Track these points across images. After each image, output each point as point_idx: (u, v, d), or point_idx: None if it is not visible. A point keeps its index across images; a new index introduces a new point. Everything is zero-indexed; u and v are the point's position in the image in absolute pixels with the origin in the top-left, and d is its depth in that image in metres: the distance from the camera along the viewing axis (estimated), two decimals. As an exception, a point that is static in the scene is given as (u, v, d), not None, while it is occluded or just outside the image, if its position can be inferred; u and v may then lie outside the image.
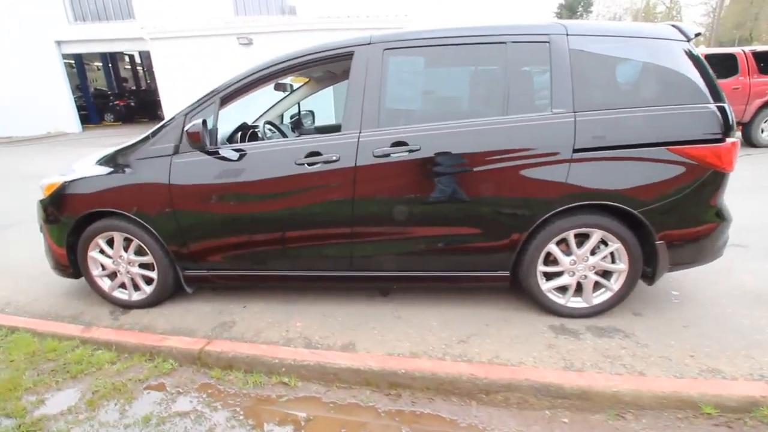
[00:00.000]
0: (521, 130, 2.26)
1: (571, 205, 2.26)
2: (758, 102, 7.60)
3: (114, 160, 2.69)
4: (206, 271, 2.69)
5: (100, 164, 2.73)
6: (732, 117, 2.24)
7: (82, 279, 2.85)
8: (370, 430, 1.85)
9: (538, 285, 2.47)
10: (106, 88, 22.76)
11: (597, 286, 2.47)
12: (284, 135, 3.64)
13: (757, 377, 1.95)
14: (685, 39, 2.28)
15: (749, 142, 7.90)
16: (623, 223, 2.31)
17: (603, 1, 45.70)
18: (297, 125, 4.11)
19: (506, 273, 2.47)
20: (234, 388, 2.12)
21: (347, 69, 2.51)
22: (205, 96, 2.55)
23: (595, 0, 41.34)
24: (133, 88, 24.27)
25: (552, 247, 2.39)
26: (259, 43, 12.51)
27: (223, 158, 2.47)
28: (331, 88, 3.98)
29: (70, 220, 2.67)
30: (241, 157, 2.47)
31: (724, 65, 7.56)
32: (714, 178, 2.24)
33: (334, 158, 2.35)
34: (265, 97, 3.52)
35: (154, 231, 2.58)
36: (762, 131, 7.85)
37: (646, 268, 2.42)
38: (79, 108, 17.53)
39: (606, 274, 2.46)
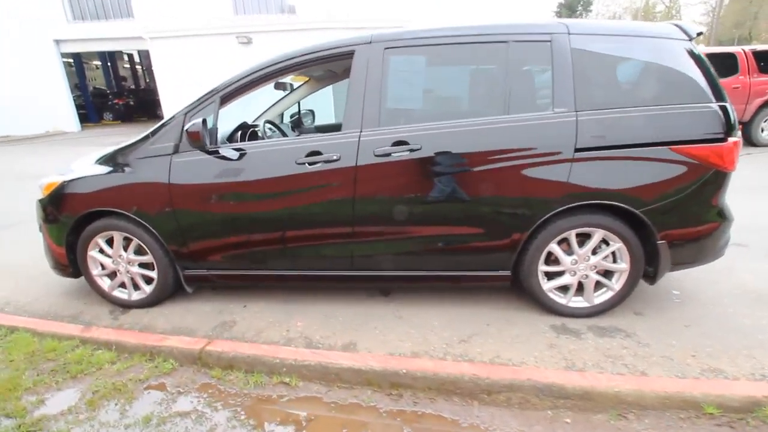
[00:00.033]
0: (523, 130, 2.25)
1: (572, 205, 2.26)
2: (758, 101, 7.60)
3: (113, 160, 2.68)
4: (206, 271, 2.69)
5: (100, 163, 2.72)
6: (734, 116, 2.24)
7: (82, 278, 2.84)
8: (372, 430, 1.84)
9: (540, 285, 2.46)
10: (105, 87, 22.70)
11: (598, 285, 2.47)
12: (284, 134, 3.64)
13: (759, 377, 1.94)
14: (687, 38, 2.27)
15: (749, 141, 7.90)
16: (625, 223, 2.30)
17: (602, 0, 45.67)
18: (297, 124, 4.10)
19: (507, 273, 2.46)
20: (235, 388, 2.12)
21: (347, 68, 2.50)
22: (205, 95, 2.54)
23: (595, -1, 41.34)
24: (132, 87, 24.22)
25: (553, 247, 2.38)
26: (258, 42, 12.50)
27: (223, 158, 2.46)
28: (330, 87, 3.96)
29: (70, 220, 2.66)
30: (241, 156, 2.46)
31: (724, 64, 7.56)
32: (716, 178, 2.24)
33: (335, 158, 2.34)
34: (265, 96, 3.51)
35: (153, 230, 2.57)
36: (762, 130, 7.85)
37: (647, 268, 2.41)
38: (78, 107, 17.49)
39: (607, 273, 2.45)
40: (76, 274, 2.82)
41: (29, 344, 2.46)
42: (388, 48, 2.38)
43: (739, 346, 2.17)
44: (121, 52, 23.03)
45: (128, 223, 2.60)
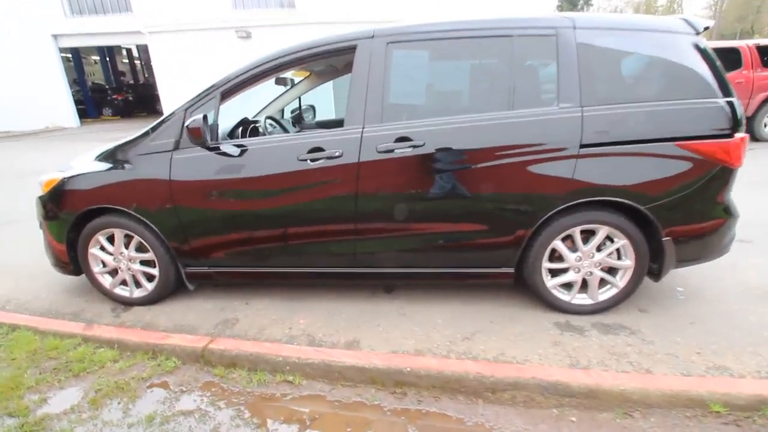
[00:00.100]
0: (527, 126, 2.23)
1: (577, 201, 2.24)
2: (761, 96, 7.55)
3: (113, 156, 2.66)
4: (208, 268, 2.67)
5: (100, 160, 2.69)
6: (741, 112, 2.21)
7: (83, 276, 2.83)
8: (376, 429, 1.83)
9: (543, 282, 2.45)
10: (104, 82, 22.60)
11: (602, 282, 2.45)
12: (285, 130, 3.61)
13: (765, 375, 1.93)
14: (694, 32, 2.24)
15: (752, 136, 7.86)
16: (630, 220, 2.28)
17: (604, -6, 45.37)
18: (298, 120, 4.07)
19: (511, 270, 2.45)
20: (238, 386, 2.11)
21: (349, 63, 2.47)
22: (205, 91, 2.51)
23: (596, -7, 41.06)
24: (131, 82, 24.13)
25: (557, 244, 2.37)
26: (257, 36, 12.43)
27: (225, 154, 2.44)
28: (330, 82, 3.93)
29: (70, 217, 2.64)
30: (242, 152, 2.44)
31: (727, 59, 7.49)
32: (722, 174, 2.22)
33: (337, 154, 2.32)
34: (266, 91, 3.48)
35: (154, 227, 2.55)
36: (765, 125, 7.81)
37: (652, 265, 2.40)
38: (77, 102, 17.42)
39: (611, 270, 2.44)
40: (77, 271, 2.81)
41: (31, 342, 2.45)
42: (390, 42, 2.35)
43: (744, 343, 2.16)
44: (119, 47, 22.92)
45: (129, 220, 2.58)
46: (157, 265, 2.67)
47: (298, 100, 3.98)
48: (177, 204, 2.49)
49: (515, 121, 2.23)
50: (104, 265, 2.76)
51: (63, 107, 16.53)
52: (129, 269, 2.73)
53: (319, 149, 2.34)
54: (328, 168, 2.34)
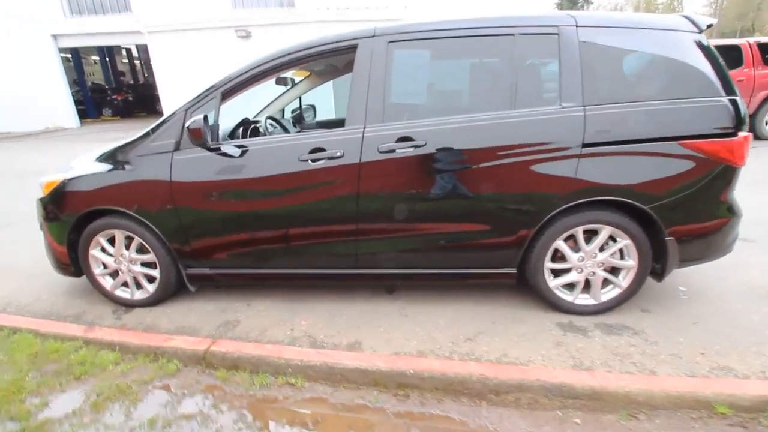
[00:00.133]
0: (529, 125, 2.21)
1: (580, 201, 2.23)
2: (763, 94, 7.53)
3: (114, 157, 2.65)
4: (209, 270, 2.66)
5: (100, 161, 2.68)
6: (744, 110, 2.20)
7: (84, 278, 2.82)
8: (379, 431, 1.82)
9: (546, 282, 2.44)
10: (104, 82, 22.58)
11: (605, 282, 2.44)
12: (286, 130, 3.60)
13: (770, 375, 1.92)
14: (697, 30, 2.22)
15: (754, 134, 7.82)
16: (633, 219, 2.27)
17: (604, -8, 45.24)
18: (298, 120, 4.06)
19: (513, 270, 2.44)
20: (240, 389, 2.10)
21: (349, 62, 2.45)
22: (205, 91, 2.50)
23: (596, -9, 40.99)
24: (131, 82, 24.10)
25: (560, 244, 2.36)
26: (257, 36, 12.40)
27: (225, 155, 2.43)
28: (330, 81, 3.92)
29: (71, 218, 2.63)
30: (243, 153, 2.42)
31: (728, 57, 7.45)
32: (725, 173, 2.21)
33: (338, 154, 2.30)
34: (266, 91, 3.47)
35: (155, 229, 2.54)
36: (767, 123, 7.79)
37: (655, 265, 2.39)
38: (77, 102, 17.40)
39: (614, 270, 2.43)
40: (77, 273, 2.80)
41: (32, 345, 2.44)
42: (391, 41, 2.34)
43: (748, 343, 2.15)
44: (119, 47, 22.88)
45: (130, 222, 2.57)
46: (158, 266, 2.66)
47: (298, 99, 3.97)
48: (178, 205, 2.48)
49: (517, 120, 2.22)
50: (105, 266, 2.75)
51: (63, 108, 16.52)
52: (130, 271, 2.72)
53: (321, 149, 2.33)
54: (329, 168, 2.32)
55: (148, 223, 2.53)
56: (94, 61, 23.70)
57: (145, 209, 2.52)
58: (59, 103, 16.42)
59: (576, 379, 1.92)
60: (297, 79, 3.85)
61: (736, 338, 2.20)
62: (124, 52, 24.62)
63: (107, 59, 22.58)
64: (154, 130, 2.57)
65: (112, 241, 2.68)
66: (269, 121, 3.40)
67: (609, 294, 2.45)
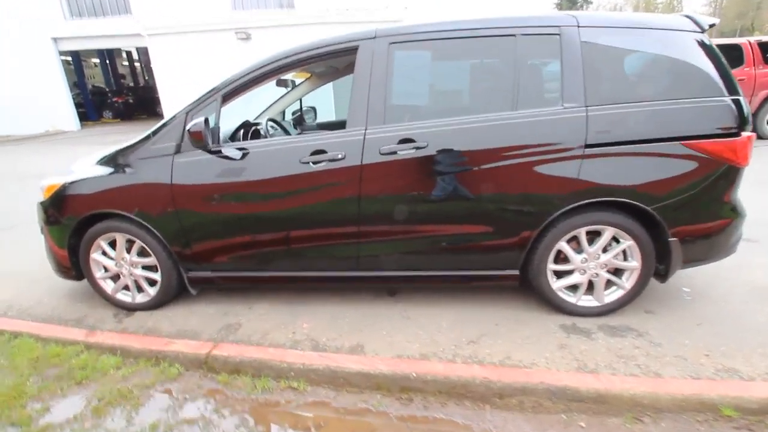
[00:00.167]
0: (531, 126, 2.20)
1: (582, 202, 2.21)
2: (764, 93, 7.52)
3: (114, 161, 2.64)
4: (210, 273, 2.65)
5: (101, 165, 2.67)
6: (747, 110, 2.19)
7: (85, 281, 2.81)
8: (382, 435, 1.81)
9: (549, 284, 2.43)
10: (104, 85, 22.61)
11: (608, 284, 2.43)
12: (287, 132, 3.59)
13: (776, 377, 1.91)
14: (699, 30, 2.22)
15: (755, 133, 7.82)
16: (636, 220, 2.26)
17: (603, -8, 45.27)
18: (299, 122, 4.05)
19: (515, 272, 2.43)
20: (242, 393, 2.08)
21: (350, 64, 2.45)
22: (206, 93, 2.49)
23: (596, -10, 41.00)
24: (131, 84, 24.13)
25: (563, 245, 2.34)
26: (257, 37, 12.40)
27: (226, 157, 2.42)
28: (330, 83, 3.91)
29: (72, 222, 2.62)
30: (244, 156, 2.42)
31: (729, 56, 7.36)
32: (729, 173, 2.20)
33: (340, 156, 2.29)
34: (267, 93, 3.46)
35: (156, 232, 2.53)
36: (767, 123, 7.77)
37: (658, 266, 2.37)
38: (77, 105, 17.42)
39: (617, 271, 2.41)
40: (78, 276, 2.79)
41: (33, 350, 2.43)
42: (393, 43, 2.33)
43: (754, 344, 2.14)
44: (119, 50, 22.91)
45: (131, 225, 2.56)
46: (159, 269, 2.66)
47: (299, 101, 3.96)
48: (179, 208, 2.47)
49: (519, 121, 2.21)
50: (106, 270, 2.74)
51: (63, 110, 16.53)
52: (131, 274, 2.71)
53: (322, 151, 2.32)
54: (330, 170, 2.31)
55: (149, 226, 2.52)
56: (95, 63, 23.75)
57: (146, 212, 2.51)
58: (60, 105, 16.44)
59: (580, 381, 1.91)
60: (297, 81, 3.84)
61: (740, 339, 2.18)
62: (124, 55, 24.66)
63: (107, 62, 22.61)
64: (154, 133, 2.56)
65: (113, 244, 2.67)
66: (270, 123, 3.39)
67: (612, 295, 2.44)
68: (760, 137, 7.83)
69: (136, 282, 2.74)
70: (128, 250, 2.66)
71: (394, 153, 2.26)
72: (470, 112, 2.31)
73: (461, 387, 1.97)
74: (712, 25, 2.29)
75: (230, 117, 2.96)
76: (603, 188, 2.19)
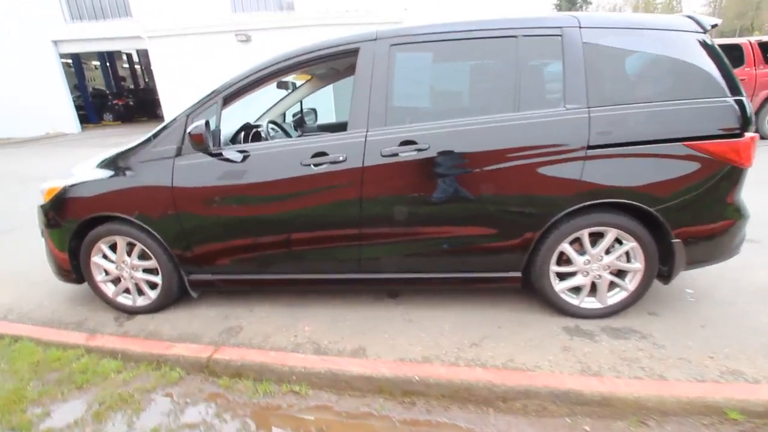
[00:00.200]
0: (534, 127, 2.19)
1: (585, 204, 2.20)
2: (764, 93, 7.51)
3: (115, 164, 2.63)
4: (211, 275, 2.64)
5: (101, 167, 2.67)
6: (750, 110, 2.18)
7: (86, 284, 2.80)
8: (385, 439, 1.80)
9: (551, 286, 2.41)
10: (105, 87, 22.60)
11: (611, 285, 2.42)
12: (287, 134, 3.59)
13: (781, 379, 1.89)
14: (701, 30, 2.21)
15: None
16: (639, 222, 2.25)
17: (602, -7, 45.29)
18: (300, 123, 4.05)
19: (518, 274, 2.42)
20: (244, 397, 2.07)
21: (350, 66, 2.44)
22: (207, 96, 2.48)
23: (595, -9, 41.03)
24: (132, 87, 24.12)
25: (565, 247, 2.33)
26: (257, 39, 12.41)
27: (227, 160, 2.41)
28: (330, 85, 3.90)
29: (72, 225, 2.61)
30: (245, 158, 2.41)
31: (729, 56, 7.34)
32: (732, 174, 2.19)
33: (341, 158, 2.29)
34: (267, 95, 3.45)
35: (157, 235, 2.52)
36: (768, 122, 7.76)
37: (661, 267, 2.36)
38: (78, 108, 17.41)
39: (620, 273, 2.40)
40: (79, 280, 2.78)
41: (34, 354, 2.42)
42: (394, 44, 2.32)
43: (758, 346, 2.13)
44: (119, 52, 22.91)
45: (131, 228, 2.56)
46: (159, 272, 2.65)
47: (299, 103, 3.95)
48: (179, 211, 2.46)
49: (521, 123, 2.20)
50: (107, 273, 2.73)
51: (64, 113, 16.53)
52: (132, 277, 2.70)
53: (323, 154, 2.31)
54: (332, 173, 2.30)
55: (149, 229, 2.52)
56: (95, 66, 23.73)
57: (146, 215, 2.50)
58: (60, 108, 16.44)
59: (584, 385, 1.89)
60: (298, 83, 3.84)
61: (745, 341, 2.17)
62: (124, 57, 24.66)
63: (108, 64, 22.61)
64: (155, 135, 2.55)
65: (113, 247, 2.66)
66: (271, 125, 3.38)
67: (615, 297, 2.42)
68: (761, 137, 7.82)
69: (136, 285, 2.73)
70: (129, 253, 2.65)
71: (396, 155, 2.25)
72: (472, 114, 2.30)
73: (464, 390, 1.96)
74: (714, 26, 2.28)
75: (231, 119, 2.95)
76: (606, 189, 2.18)
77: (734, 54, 7.56)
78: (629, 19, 2.36)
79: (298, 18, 12.54)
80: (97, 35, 15.92)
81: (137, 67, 25.28)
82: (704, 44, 2.19)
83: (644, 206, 2.19)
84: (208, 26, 12.54)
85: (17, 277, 3.41)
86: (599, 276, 2.37)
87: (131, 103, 20.54)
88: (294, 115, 4.07)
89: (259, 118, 3.63)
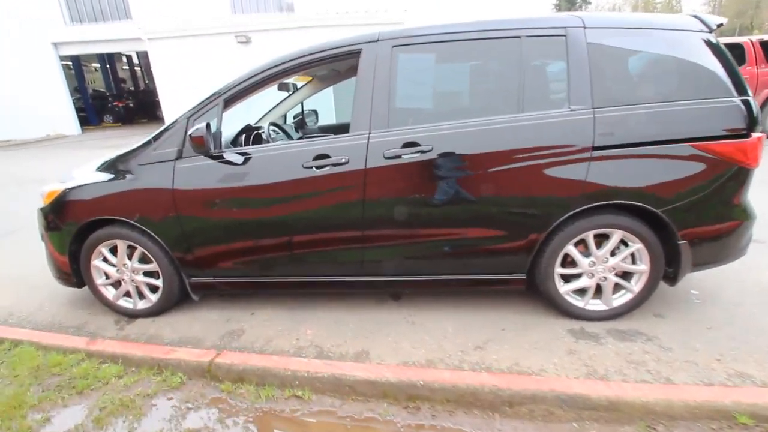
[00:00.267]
0: (538, 128, 2.17)
1: (590, 205, 2.18)
2: (766, 92, 7.49)
3: (115, 166, 2.61)
4: (212, 278, 2.62)
5: (101, 170, 2.65)
6: (757, 110, 2.16)
7: (86, 288, 2.78)
8: (389, 445, 1.78)
9: (556, 287, 2.39)
10: (105, 89, 22.59)
11: (617, 287, 2.40)
12: (289, 136, 3.57)
13: (790, 383, 1.87)
14: (707, 30, 2.19)
15: (757, 133, 7.79)
16: (644, 223, 2.22)
17: (602, -7, 45.32)
18: (301, 125, 4.03)
19: (522, 275, 2.39)
20: (246, 402, 2.05)
21: (352, 67, 2.42)
22: (207, 98, 2.46)
23: (595, -9, 41.03)
24: (132, 88, 24.10)
25: (570, 249, 2.31)
26: (257, 41, 12.39)
27: (228, 162, 2.39)
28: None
29: (72, 228, 2.59)
30: (246, 160, 2.39)
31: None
32: (738, 175, 2.16)
33: (343, 160, 2.27)
34: (268, 96, 3.43)
35: (158, 238, 2.50)
36: (770, 121, 7.73)
37: (667, 269, 2.34)
38: (78, 110, 17.39)
39: (626, 275, 2.38)
40: (79, 283, 2.76)
41: (34, 358, 2.39)
42: (396, 46, 2.30)
43: (766, 348, 2.11)
44: (119, 54, 22.91)
45: (132, 231, 2.54)
46: (160, 276, 2.63)
47: (300, 105, 3.94)
48: (180, 213, 2.44)
49: (525, 124, 2.18)
50: (107, 276, 2.71)
51: (64, 115, 16.52)
52: (132, 281, 2.68)
53: (325, 156, 2.29)
54: (334, 175, 2.28)
55: (150, 232, 2.50)
56: (95, 68, 23.71)
57: (147, 218, 2.48)
58: (60, 110, 16.43)
59: (591, 389, 1.86)
60: (299, 84, 3.82)
61: (752, 343, 2.15)
62: (124, 59, 24.66)
63: (108, 66, 22.60)
64: (155, 138, 2.54)
65: (114, 250, 2.64)
66: (272, 127, 3.36)
67: (621, 299, 2.40)
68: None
69: (137, 288, 2.71)
70: (129, 257, 2.63)
71: (399, 157, 2.23)
72: (475, 115, 2.28)
73: (470, 395, 1.93)
74: (720, 25, 2.26)
75: (231, 121, 2.93)
76: (611, 191, 2.16)
77: (735, 53, 7.54)
78: (634, 19, 2.34)
79: (297, 19, 12.52)
80: (97, 37, 15.91)
81: (137, 68, 25.28)
82: (710, 44, 2.16)
83: (650, 207, 2.17)
84: (208, 28, 12.52)
85: (17, 281, 3.39)
86: (604, 278, 2.35)
87: (131, 104, 20.51)
88: (295, 117, 4.05)
89: (259, 120, 3.61)
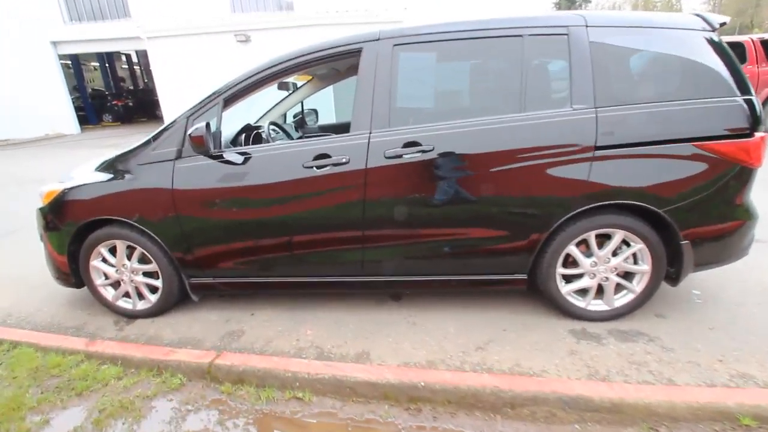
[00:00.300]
0: (540, 128, 2.16)
1: (592, 205, 2.17)
2: (767, 91, 7.47)
3: (114, 166, 2.60)
4: (212, 279, 2.61)
5: (100, 170, 2.63)
6: (760, 110, 2.14)
7: (85, 288, 2.77)
8: (391, 447, 1.77)
9: (558, 288, 2.38)
10: (104, 88, 22.54)
11: (618, 288, 2.38)
12: (289, 135, 3.55)
13: (794, 384, 1.86)
14: (710, 29, 2.17)
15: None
16: (646, 223, 2.21)
17: (602, -9, 45.22)
18: (301, 124, 4.01)
19: (524, 276, 2.38)
20: (246, 404, 2.04)
21: (352, 66, 2.40)
22: (207, 98, 2.45)
23: (594, -10, 40.95)
24: (131, 87, 24.05)
25: (572, 249, 2.30)
26: (257, 40, 12.36)
27: (228, 162, 2.38)
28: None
29: (71, 228, 2.58)
30: (246, 160, 2.37)
31: None
32: (741, 174, 2.15)
33: (344, 160, 2.25)
34: (268, 96, 3.42)
35: (157, 238, 2.49)
36: (771, 120, 7.73)
37: (669, 269, 2.33)
38: (77, 109, 17.35)
39: (628, 275, 2.37)
40: (78, 284, 2.75)
41: (32, 360, 2.38)
42: (397, 44, 2.29)
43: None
44: (119, 53, 22.86)
45: (131, 231, 2.52)
46: (160, 276, 2.61)
47: (300, 104, 3.92)
48: (180, 213, 2.43)
49: (527, 123, 2.17)
50: (106, 277, 2.70)
51: (63, 114, 16.47)
52: (132, 281, 2.67)
53: (325, 156, 2.28)
54: (334, 175, 2.27)
55: (149, 232, 2.48)
56: (94, 67, 23.66)
57: (146, 218, 2.47)
58: (59, 109, 16.38)
59: (593, 390, 1.85)
60: (299, 83, 3.80)
61: (754, 344, 2.14)
62: (123, 58, 24.60)
63: (107, 65, 22.55)
64: (155, 138, 2.52)
65: (113, 251, 2.63)
66: (272, 126, 3.35)
67: (622, 299, 2.39)
68: (764, 136, 7.79)
69: (137, 289, 2.70)
70: (129, 257, 2.62)
71: (400, 157, 2.21)
72: (476, 115, 2.26)
73: (471, 396, 1.92)
74: (723, 24, 2.24)
75: (231, 121, 2.92)
76: (613, 190, 2.15)
77: (736, 52, 7.46)
78: (636, 18, 2.32)
79: (297, 18, 12.48)
80: (96, 36, 15.86)
81: (136, 68, 25.22)
82: (712, 42, 2.15)
83: (652, 207, 2.15)
84: (208, 27, 12.49)
85: (16, 281, 3.37)
86: (606, 278, 2.34)
87: (130, 104, 20.46)
88: (295, 116, 4.04)
89: (259, 120, 3.59)
